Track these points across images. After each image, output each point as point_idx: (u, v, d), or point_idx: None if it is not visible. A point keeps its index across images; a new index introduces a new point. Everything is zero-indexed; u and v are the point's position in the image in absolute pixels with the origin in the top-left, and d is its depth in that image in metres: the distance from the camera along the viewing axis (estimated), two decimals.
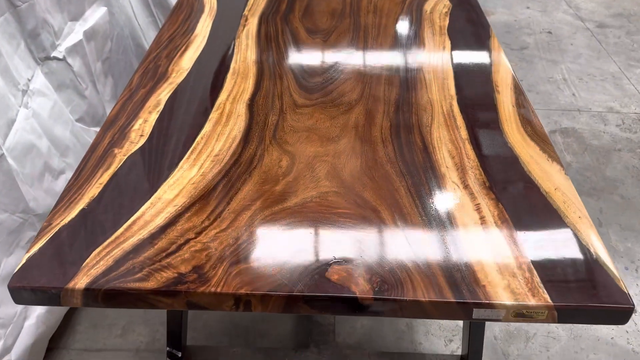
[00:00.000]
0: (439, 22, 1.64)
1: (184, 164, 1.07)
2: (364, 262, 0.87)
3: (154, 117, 1.20)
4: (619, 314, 0.82)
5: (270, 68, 1.40)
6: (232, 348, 1.61)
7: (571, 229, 0.93)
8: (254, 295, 0.82)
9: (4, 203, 1.37)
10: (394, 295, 0.82)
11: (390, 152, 1.10)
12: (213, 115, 1.21)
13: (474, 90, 1.32)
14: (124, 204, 0.97)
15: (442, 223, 0.94)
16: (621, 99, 2.80)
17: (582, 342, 1.66)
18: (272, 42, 1.52)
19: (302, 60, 1.45)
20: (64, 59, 1.68)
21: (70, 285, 0.83)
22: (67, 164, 1.65)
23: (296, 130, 1.16)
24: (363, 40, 1.54)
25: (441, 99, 1.27)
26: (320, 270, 0.85)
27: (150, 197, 0.98)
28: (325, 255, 0.88)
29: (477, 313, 0.82)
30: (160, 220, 0.93)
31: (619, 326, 1.69)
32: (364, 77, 1.36)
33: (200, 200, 0.98)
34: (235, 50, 1.48)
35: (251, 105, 1.25)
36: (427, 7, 1.73)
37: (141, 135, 1.15)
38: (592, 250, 0.90)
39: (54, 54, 1.64)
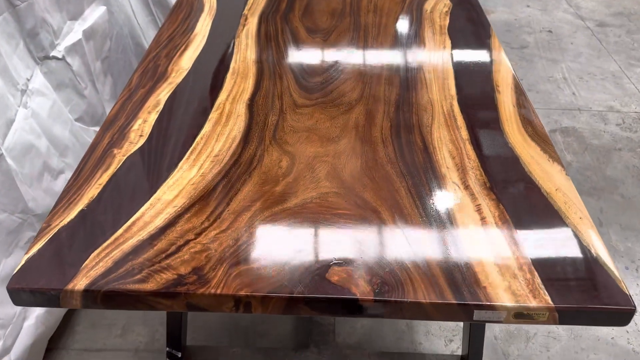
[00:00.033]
0: (439, 21, 1.63)
1: (183, 164, 1.06)
2: (364, 263, 0.86)
3: (153, 117, 1.20)
4: (621, 316, 0.82)
5: (270, 68, 1.39)
6: (232, 348, 1.61)
7: (572, 230, 0.93)
8: (254, 297, 0.82)
9: (3, 203, 1.37)
10: (394, 297, 0.81)
11: (390, 152, 1.10)
12: (213, 116, 1.21)
13: (475, 90, 1.31)
14: (123, 204, 0.97)
15: (443, 224, 0.93)
16: (621, 98, 2.80)
17: (583, 342, 1.66)
18: (272, 41, 1.52)
19: (302, 60, 1.45)
20: (63, 59, 1.68)
21: (70, 286, 0.83)
22: (67, 163, 1.65)
23: (296, 131, 1.16)
24: (363, 39, 1.53)
25: (441, 99, 1.27)
26: (320, 271, 0.85)
27: (149, 198, 0.98)
28: (326, 256, 0.88)
29: (477, 314, 0.82)
30: (159, 221, 0.93)
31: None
32: (364, 77, 1.35)
33: (200, 201, 0.97)
34: (235, 50, 1.47)
35: (251, 105, 1.24)
36: (428, 6, 1.73)
37: (140, 136, 1.14)
38: (593, 252, 0.89)
39: (53, 53, 1.64)
